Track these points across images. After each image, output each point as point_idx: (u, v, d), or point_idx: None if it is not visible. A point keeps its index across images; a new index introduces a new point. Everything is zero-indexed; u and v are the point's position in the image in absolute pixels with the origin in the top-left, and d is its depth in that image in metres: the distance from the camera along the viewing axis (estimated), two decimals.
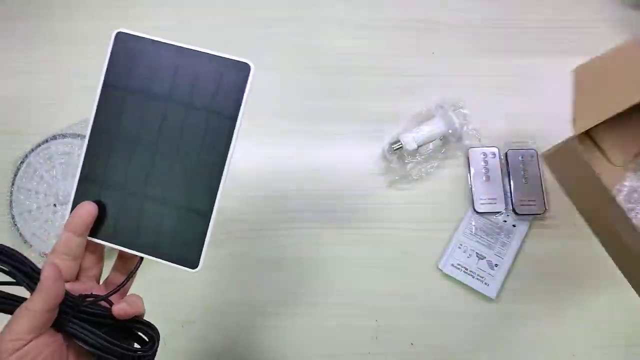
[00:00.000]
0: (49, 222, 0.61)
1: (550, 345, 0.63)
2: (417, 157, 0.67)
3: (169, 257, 0.38)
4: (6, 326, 0.34)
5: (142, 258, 0.38)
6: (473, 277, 0.64)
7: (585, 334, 0.64)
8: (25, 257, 0.35)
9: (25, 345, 0.33)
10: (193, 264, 0.38)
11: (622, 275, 0.65)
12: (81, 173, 0.38)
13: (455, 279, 0.64)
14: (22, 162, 0.63)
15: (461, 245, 0.65)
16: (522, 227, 0.66)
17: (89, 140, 0.38)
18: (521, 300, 0.64)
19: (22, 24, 0.74)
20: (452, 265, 0.64)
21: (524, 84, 0.72)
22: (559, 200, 0.67)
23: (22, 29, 0.74)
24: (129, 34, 0.37)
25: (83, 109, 0.68)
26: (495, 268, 0.64)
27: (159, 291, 0.62)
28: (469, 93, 0.70)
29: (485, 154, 0.68)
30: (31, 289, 0.35)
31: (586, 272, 0.65)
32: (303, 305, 0.63)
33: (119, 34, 0.38)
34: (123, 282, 0.39)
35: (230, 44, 0.73)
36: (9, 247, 0.35)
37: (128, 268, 0.40)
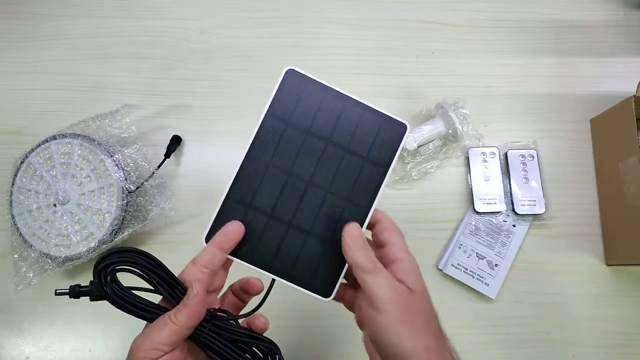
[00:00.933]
0: (49, 222, 0.61)
1: (550, 345, 0.63)
2: (417, 157, 0.67)
3: (304, 283, 0.40)
4: (144, 334, 0.35)
5: (274, 280, 0.40)
6: (473, 277, 0.64)
7: (585, 334, 0.64)
8: (165, 266, 0.37)
9: (161, 357, 0.34)
10: (326, 294, 0.40)
11: (622, 275, 0.65)
12: (230, 191, 0.39)
13: (455, 279, 0.64)
14: (22, 162, 0.63)
15: (461, 245, 0.65)
16: (522, 227, 0.66)
17: (243, 162, 0.40)
18: (521, 301, 0.64)
19: (21, 23, 0.74)
20: (452, 265, 0.64)
21: (524, 83, 0.72)
22: (559, 201, 0.67)
23: (23, 28, 0.73)
24: (300, 73, 0.41)
25: (83, 109, 0.69)
26: (495, 268, 0.64)
27: None
28: (468, 93, 0.70)
29: (485, 154, 0.68)
30: (173, 300, 0.36)
31: (586, 273, 0.66)
32: (303, 306, 0.63)
33: (289, 71, 0.41)
34: (260, 303, 0.40)
35: (225, 44, 0.73)
36: (150, 254, 0.37)
37: (245, 289, 0.42)
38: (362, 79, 0.72)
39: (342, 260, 0.39)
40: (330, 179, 0.41)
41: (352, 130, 0.41)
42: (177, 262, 0.39)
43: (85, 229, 0.60)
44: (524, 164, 0.68)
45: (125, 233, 0.61)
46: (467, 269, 0.64)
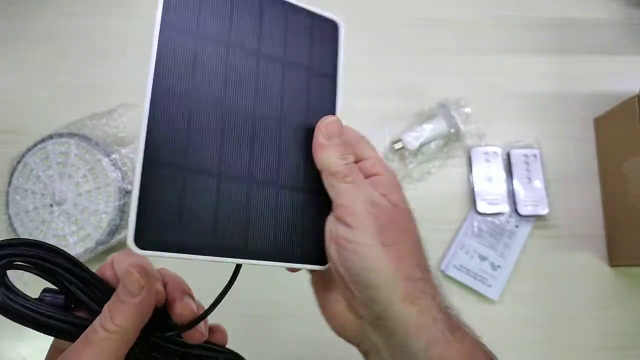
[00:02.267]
0: (45, 223, 0.60)
1: (554, 347, 0.63)
2: (418, 157, 0.67)
3: (291, 257, 0.30)
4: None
5: (240, 266, 0.29)
6: (475, 278, 0.63)
7: (589, 335, 0.63)
8: (76, 260, 0.28)
9: None
10: (323, 261, 0.31)
11: (626, 276, 0.65)
12: (146, 154, 0.26)
13: (457, 280, 0.63)
14: (18, 162, 0.62)
15: (463, 246, 0.64)
16: (525, 228, 0.65)
17: (152, 101, 0.28)
18: (524, 302, 0.64)
19: (19, 22, 0.73)
20: (454, 266, 0.64)
21: (527, 82, 0.72)
22: (562, 201, 0.67)
23: (20, 27, 0.73)
24: None
25: (80, 109, 0.68)
26: (497, 269, 0.64)
27: None
28: (471, 92, 0.69)
29: (487, 154, 0.67)
30: (94, 302, 0.27)
31: (589, 274, 0.65)
32: (304, 307, 0.63)
33: None
34: (219, 296, 0.31)
35: None
36: (50, 245, 0.27)
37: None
38: (363, 78, 0.71)
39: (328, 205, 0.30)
40: (278, 105, 0.30)
41: (282, 38, 0.31)
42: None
43: (82, 230, 0.60)
44: (526, 163, 0.67)
45: (122, 234, 0.61)
46: (469, 271, 0.63)
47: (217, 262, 0.27)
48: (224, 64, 0.29)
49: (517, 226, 0.65)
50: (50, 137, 0.62)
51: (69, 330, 0.26)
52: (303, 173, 0.30)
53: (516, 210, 0.65)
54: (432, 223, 0.66)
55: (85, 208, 0.60)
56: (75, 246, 0.59)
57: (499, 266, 0.64)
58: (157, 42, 0.28)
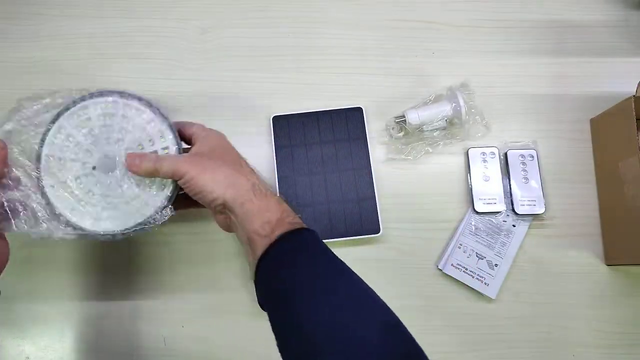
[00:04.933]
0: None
1: (550, 345, 0.63)
2: (418, 134, 0.68)
3: (359, 232, 0.63)
4: None
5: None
6: (473, 277, 0.64)
7: (585, 334, 0.64)
8: None
9: None
10: (376, 230, 0.63)
11: (622, 275, 0.65)
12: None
13: (455, 279, 0.64)
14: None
15: (461, 245, 0.65)
16: (522, 227, 0.66)
17: (278, 183, 0.64)
18: (521, 301, 0.64)
19: (21, 23, 0.73)
20: (452, 265, 0.64)
21: (523, 83, 0.72)
22: (558, 201, 0.67)
23: (23, 28, 0.73)
24: (281, 115, 0.67)
25: None
26: (495, 268, 0.64)
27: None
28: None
29: (484, 154, 0.68)
30: None
31: (586, 272, 0.66)
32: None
33: (275, 117, 0.67)
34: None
35: (225, 45, 0.73)
36: None
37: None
38: (362, 79, 0.72)
39: (374, 204, 0.65)
40: (335, 163, 0.66)
41: (332, 129, 0.68)
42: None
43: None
44: (523, 164, 0.68)
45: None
46: (467, 269, 0.64)
47: None
48: (306, 153, 0.67)
49: (514, 225, 0.66)
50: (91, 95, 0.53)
51: None
52: (355, 191, 0.66)
53: (513, 210, 0.66)
54: (430, 222, 0.67)
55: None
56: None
57: (496, 265, 0.64)
58: (274, 152, 0.67)
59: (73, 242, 0.65)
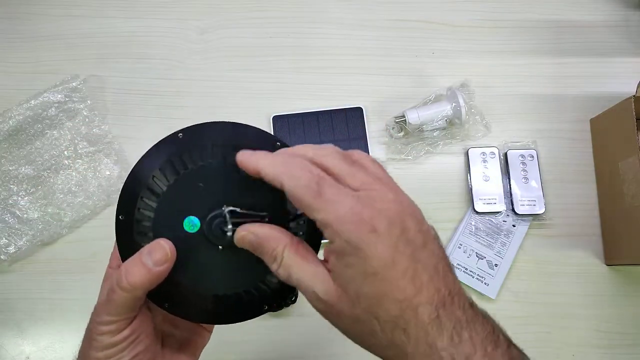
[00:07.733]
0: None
1: (550, 345, 0.63)
2: (418, 134, 0.68)
3: None
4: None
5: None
6: (473, 277, 0.64)
7: (585, 334, 0.64)
8: None
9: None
10: None
11: (622, 275, 0.65)
12: None
13: None
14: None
15: (461, 245, 0.65)
16: (522, 227, 0.66)
17: None
18: (521, 300, 0.64)
19: (21, 23, 0.74)
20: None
21: (523, 83, 0.72)
22: (558, 200, 0.67)
23: (23, 28, 0.73)
24: (281, 115, 0.67)
25: None
26: (495, 268, 0.64)
27: None
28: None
29: (484, 154, 0.68)
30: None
31: (586, 272, 0.66)
32: (304, 306, 0.63)
33: (275, 117, 0.67)
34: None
35: (225, 45, 0.73)
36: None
37: None
38: (362, 79, 0.72)
39: None
40: None
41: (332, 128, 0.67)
42: None
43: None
44: (523, 164, 0.68)
45: None
46: (467, 269, 0.64)
47: None
48: None
49: (514, 225, 0.66)
50: None
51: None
52: None
53: (513, 210, 0.66)
54: (430, 222, 0.67)
55: None
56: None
57: (496, 265, 0.64)
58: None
59: (74, 242, 0.65)
